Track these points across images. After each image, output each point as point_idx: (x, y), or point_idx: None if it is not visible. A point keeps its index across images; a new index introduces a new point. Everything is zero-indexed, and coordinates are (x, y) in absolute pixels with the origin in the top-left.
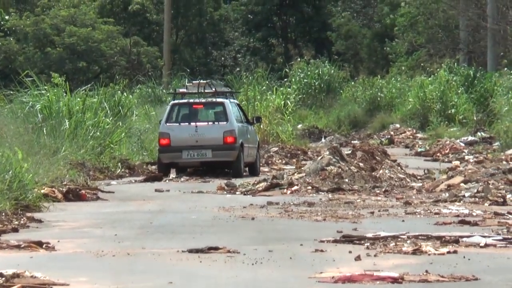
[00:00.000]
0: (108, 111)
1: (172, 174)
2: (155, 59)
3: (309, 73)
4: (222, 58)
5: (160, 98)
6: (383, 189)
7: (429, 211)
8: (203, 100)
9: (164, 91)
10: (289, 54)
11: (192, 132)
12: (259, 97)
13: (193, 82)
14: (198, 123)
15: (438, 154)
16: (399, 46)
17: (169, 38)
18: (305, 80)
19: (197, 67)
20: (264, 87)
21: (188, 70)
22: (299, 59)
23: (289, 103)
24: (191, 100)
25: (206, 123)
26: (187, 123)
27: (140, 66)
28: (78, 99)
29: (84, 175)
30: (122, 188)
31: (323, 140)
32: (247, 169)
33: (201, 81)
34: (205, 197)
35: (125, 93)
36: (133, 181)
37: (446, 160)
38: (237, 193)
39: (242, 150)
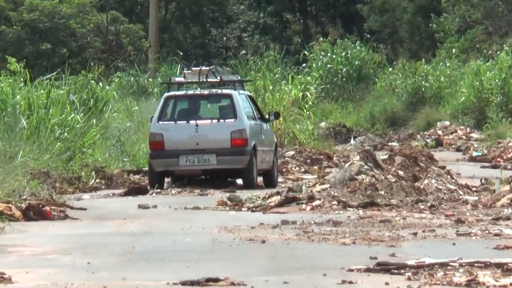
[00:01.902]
0: (79, 106)
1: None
2: (138, 40)
3: (334, 56)
4: (224, 38)
5: (146, 89)
6: (429, 204)
7: (487, 231)
8: (206, 92)
9: (151, 80)
10: (309, 33)
11: (192, 133)
12: (270, 87)
13: (193, 68)
14: (199, 121)
15: (499, 159)
16: (449, 22)
17: (156, 13)
18: (329, 66)
19: (192, 49)
20: (277, 75)
21: (181, 54)
22: (321, 39)
23: (309, 94)
24: (190, 92)
25: (209, 120)
26: (185, 121)
27: (120, 49)
28: (41, 90)
29: (48, 188)
30: (96, 203)
31: (352, 141)
32: (261, 178)
33: (203, 67)
34: (203, 215)
35: (100, 83)
36: (111, 194)
37: (509, 167)
38: (243, 209)
39: (255, 155)
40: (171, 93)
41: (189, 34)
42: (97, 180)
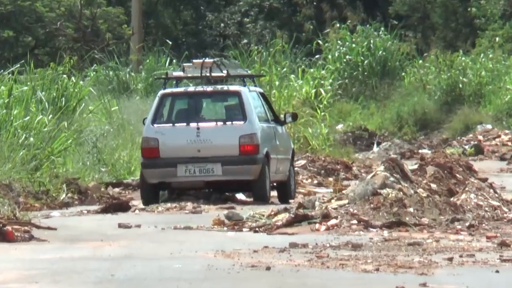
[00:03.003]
0: (47, 106)
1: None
2: (119, 26)
3: (354, 46)
4: (222, 25)
5: (127, 85)
6: (467, 224)
7: None
8: (209, 89)
9: (133, 74)
10: (324, 18)
11: (193, 137)
12: (277, 83)
13: (194, 61)
14: (201, 124)
15: None
16: (492, 5)
17: None
18: (348, 57)
19: (183, 37)
20: (285, 68)
21: (170, 43)
22: (338, 25)
23: (323, 92)
24: (191, 89)
25: (214, 123)
26: (184, 124)
27: (96, 37)
28: (2, 87)
29: (10, 203)
30: (68, 222)
31: (375, 148)
32: (275, 191)
33: (206, 59)
34: (195, 236)
35: (73, 78)
36: (85, 211)
37: None
38: (244, 229)
39: (268, 164)
40: (168, 90)
41: (180, 19)
42: (69, 195)
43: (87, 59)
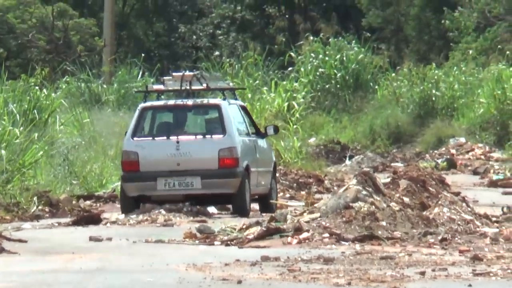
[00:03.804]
0: (18, 118)
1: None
2: (91, 38)
3: (327, 59)
4: (194, 37)
5: (99, 97)
6: (440, 237)
7: (510, 270)
8: (189, 102)
9: (105, 86)
10: (296, 30)
11: (172, 151)
12: (249, 95)
13: (174, 74)
14: (181, 137)
15: None
16: (465, 18)
17: (112, 5)
18: (320, 70)
19: (155, 49)
20: (257, 81)
21: (143, 55)
22: (311, 38)
23: (295, 105)
24: (171, 102)
25: (193, 136)
26: (164, 137)
27: (68, 49)
28: None
29: None
30: (39, 234)
31: (347, 161)
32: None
33: (186, 72)
34: (167, 249)
35: (45, 90)
36: (57, 224)
37: None
38: (215, 242)
39: (248, 177)
40: (148, 103)
41: (152, 31)
42: (40, 207)
43: (59, 71)
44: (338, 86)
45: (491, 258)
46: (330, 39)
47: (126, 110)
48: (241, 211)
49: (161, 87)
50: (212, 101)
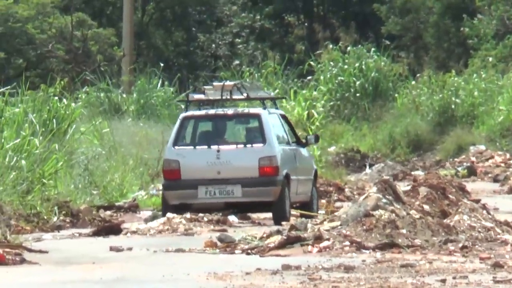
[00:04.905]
0: (38, 128)
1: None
2: (110, 47)
3: (346, 67)
4: (213, 45)
5: (119, 106)
6: (460, 245)
7: None
8: (230, 112)
9: (125, 95)
10: (316, 39)
11: (213, 159)
12: (269, 104)
13: (215, 84)
14: (221, 146)
15: None
16: (484, 25)
17: (131, 15)
18: (340, 78)
19: (174, 58)
20: (277, 89)
21: (162, 64)
22: (330, 46)
23: (315, 113)
24: (212, 112)
25: (234, 145)
26: (205, 146)
27: (88, 58)
28: None
29: (1, 226)
30: (60, 245)
31: (368, 170)
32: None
33: (226, 82)
34: (187, 258)
35: (64, 100)
36: (77, 234)
37: None
38: (236, 251)
39: (288, 185)
40: (189, 113)
41: (171, 40)
42: (61, 217)
43: (79, 81)
44: (357, 94)
45: None
46: (349, 48)
47: (145, 120)
48: (281, 218)
49: (202, 96)
50: (253, 110)
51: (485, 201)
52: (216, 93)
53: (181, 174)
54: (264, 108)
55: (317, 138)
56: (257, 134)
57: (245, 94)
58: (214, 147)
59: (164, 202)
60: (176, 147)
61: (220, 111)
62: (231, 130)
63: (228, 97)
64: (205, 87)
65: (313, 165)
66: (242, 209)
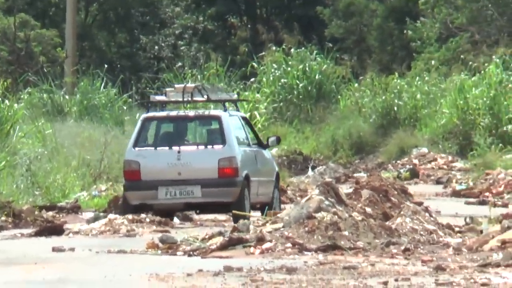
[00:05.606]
0: None
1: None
2: (53, 49)
3: (289, 69)
4: (156, 47)
5: (62, 108)
6: (403, 247)
7: (472, 280)
8: (191, 113)
9: (68, 97)
10: (259, 41)
11: (173, 160)
12: (211, 106)
13: (176, 86)
14: (182, 147)
15: (488, 193)
16: (427, 28)
17: (74, 16)
18: (283, 81)
19: (117, 60)
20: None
21: (106, 66)
22: (273, 48)
23: (258, 115)
24: (173, 113)
25: (195, 147)
26: (166, 147)
27: (30, 60)
28: None
29: None
30: (2, 245)
31: (310, 172)
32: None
33: (188, 84)
34: (129, 259)
35: (7, 101)
36: (19, 235)
37: (499, 203)
38: (178, 253)
39: (248, 186)
40: (150, 114)
41: (114, 42)
42: (3, 218)
43: (21, 82)
44: (300, 96)
45: (454, 268)
46: (292, 50)
47: (88, 121)
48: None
49: (163, 98)
50: (213, 112)
51: (428, 204)
52: (178, 95)
53: (141, 175)
54: (225, 110)
55: (278, 140)
56: (218, 136)
57: (205, 96)
58: (175, 148)
59: (124, 202)
60: (137, 148)
61: (181, 112)
62: (191, 131)
63: (190, 99)
64: (166, 89)
65: (274, 167)
66: (202, 210)
